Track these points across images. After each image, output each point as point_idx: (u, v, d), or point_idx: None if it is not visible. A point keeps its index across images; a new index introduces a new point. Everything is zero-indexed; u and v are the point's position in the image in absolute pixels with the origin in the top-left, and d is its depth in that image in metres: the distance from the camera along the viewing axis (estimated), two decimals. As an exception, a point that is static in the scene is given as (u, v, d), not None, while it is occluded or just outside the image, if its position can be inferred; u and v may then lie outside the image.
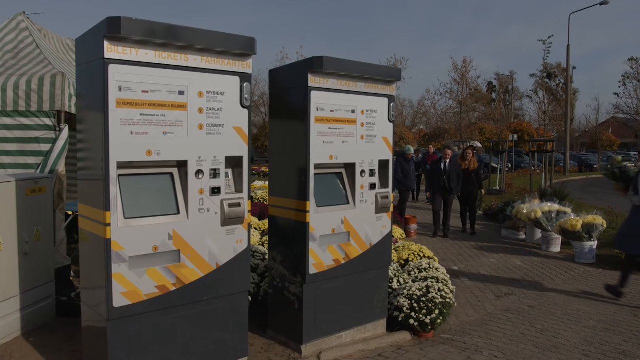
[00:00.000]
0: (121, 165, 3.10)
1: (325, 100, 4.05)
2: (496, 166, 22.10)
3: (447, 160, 9.76)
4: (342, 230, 4.26)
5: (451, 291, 4.89)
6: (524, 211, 9.09)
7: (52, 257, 4.78)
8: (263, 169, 25.52)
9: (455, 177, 9.71)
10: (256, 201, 10.60)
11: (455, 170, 9.73)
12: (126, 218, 3.14)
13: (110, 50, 2.97)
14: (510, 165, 25.35)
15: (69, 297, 4.84)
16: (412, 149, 12.74)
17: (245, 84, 3.56)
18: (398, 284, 5.06)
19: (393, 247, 6.20)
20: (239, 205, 3.57)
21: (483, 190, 10.72)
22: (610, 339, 4.78)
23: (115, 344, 3.14)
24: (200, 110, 3.37)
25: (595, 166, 35.32)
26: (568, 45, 31.86)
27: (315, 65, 3.91)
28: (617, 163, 6.55)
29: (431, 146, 17.09)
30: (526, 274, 7.18)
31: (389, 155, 4.59)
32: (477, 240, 9.55)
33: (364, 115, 4.35)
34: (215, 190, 3.47)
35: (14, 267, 4.25)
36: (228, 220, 3.52)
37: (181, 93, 3.27)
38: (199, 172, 3.39)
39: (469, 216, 10.36)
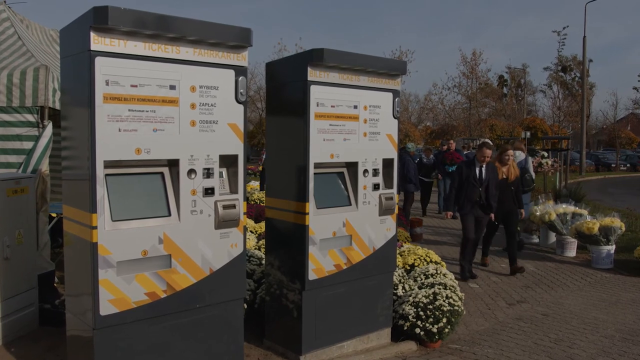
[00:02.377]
0: (108, 165, 3.10)
1: (325, 95, 4.05)
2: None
3: (484, 165, 7.05)
4: (343, 233, 4.26)
5: (460, 298, 4.89)
6: (538, 213, 9.07)
7: (34, 262, 4.77)
8: (260, 168, 25.52)
9: (494, 189, 7.18)
10: (252, 202, 10.62)
11: (494, 180, 7.17)
12: (114, 220, 3.14)
13: (97, 42, 2.97)
14: (522, 164, 25.36)
15: (52, 305, 4.85)
16: (413, 147, 12.69)
17: (240, 78, 3.56)
18: (403, 291, 5.06)
19: (398, 251, 6.20)
20: (233, 206, 3.57)
21: (523, 211, 7.82)
22: (629, 349, 4.78)
23: (102, 355, 3.14)
24: (193, 106, 3.37)
25: (613, 165, 35.23)
26: (584, 37, 31.92)
27: (316, 57, 3.91)
28: None
29: (452, 142, 13.83)
30: (540, 280, 7.18)
31: (393, 154, 4.59)
32: (488, 244, 9.54)
33: (366, 111, 4.36)
34: (209, 191, 3.47)
35: (-5, 272, 4.25)
36: (222, 222, 3.52)
37: (172, 87, 3.27)
38: (191, 171, 3.39)
39: (509, 244, 7.61)
